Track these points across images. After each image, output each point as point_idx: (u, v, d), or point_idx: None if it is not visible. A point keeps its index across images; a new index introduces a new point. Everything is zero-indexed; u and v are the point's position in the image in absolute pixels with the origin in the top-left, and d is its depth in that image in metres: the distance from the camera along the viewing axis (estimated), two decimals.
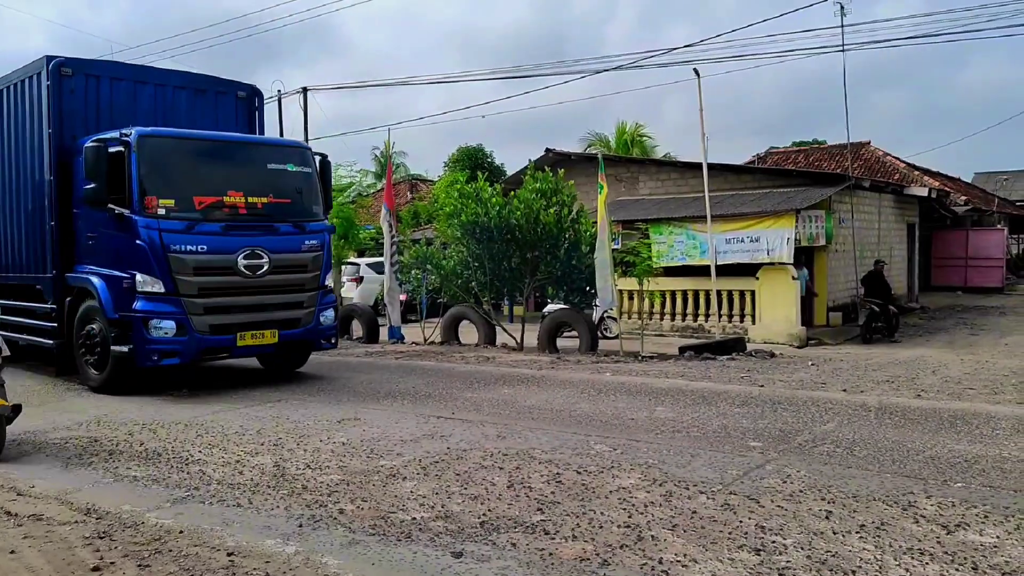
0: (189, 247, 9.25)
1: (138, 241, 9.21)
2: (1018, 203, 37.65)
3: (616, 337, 15.15)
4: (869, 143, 31.00)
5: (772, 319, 15.65)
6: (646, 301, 17.14)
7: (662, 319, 17.24)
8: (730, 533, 4.40)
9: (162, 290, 9.21)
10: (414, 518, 4.75)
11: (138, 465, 6.18)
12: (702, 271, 15.94)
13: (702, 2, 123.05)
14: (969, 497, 5.01)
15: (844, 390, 9.46)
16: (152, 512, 4.97)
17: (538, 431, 7.11)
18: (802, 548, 4.16)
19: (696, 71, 14.59)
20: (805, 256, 16.82)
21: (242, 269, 9.49)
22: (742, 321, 16.17)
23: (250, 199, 9.84)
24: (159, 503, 5.17)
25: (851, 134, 28.10)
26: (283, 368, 11.29)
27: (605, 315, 16.02)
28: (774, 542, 4.26)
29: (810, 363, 12.30)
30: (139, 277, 9.20)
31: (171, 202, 9.28)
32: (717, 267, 15.17)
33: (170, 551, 4.27)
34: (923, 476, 5.54)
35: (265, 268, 9.66)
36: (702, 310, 16.68)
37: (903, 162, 29.96)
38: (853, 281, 17.75)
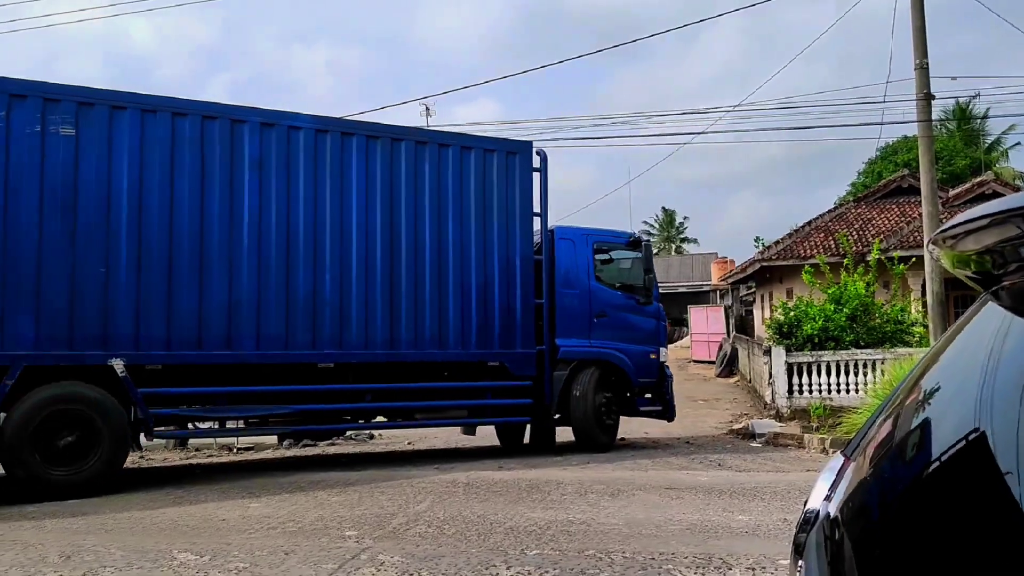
0: None
1: (660, 323, 12.45)
2: None
3: None
4: None
5: None
6: None
7: None
8: None
9: (666, 360, 12.38)
10: None
11: None
12: None
13: (298, 87, 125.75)
14: (542, 563, 5.46)
15: (436, 467, 9.89)
16: None
17: (112, 545, 6.30)
18: None
19: None
20: None
21: None
22: None
23: None
24: None
25: None
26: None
27: None
28: None
29: (407, 443, 12.71)
30: (661, 351, 12.29)
31: None
32: None
33: None
34: (504, 547, 5.93)
35: None
36: None
37: None
38: None
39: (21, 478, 8.37)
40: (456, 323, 10.52)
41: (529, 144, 11.36)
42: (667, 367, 12.38)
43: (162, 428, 9.56)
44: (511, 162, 11.06)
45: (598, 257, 11.90)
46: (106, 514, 7.51)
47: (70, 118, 8.67)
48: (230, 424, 10.20)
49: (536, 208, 11.35)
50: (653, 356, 12.01)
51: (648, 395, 12.21)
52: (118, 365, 8.71)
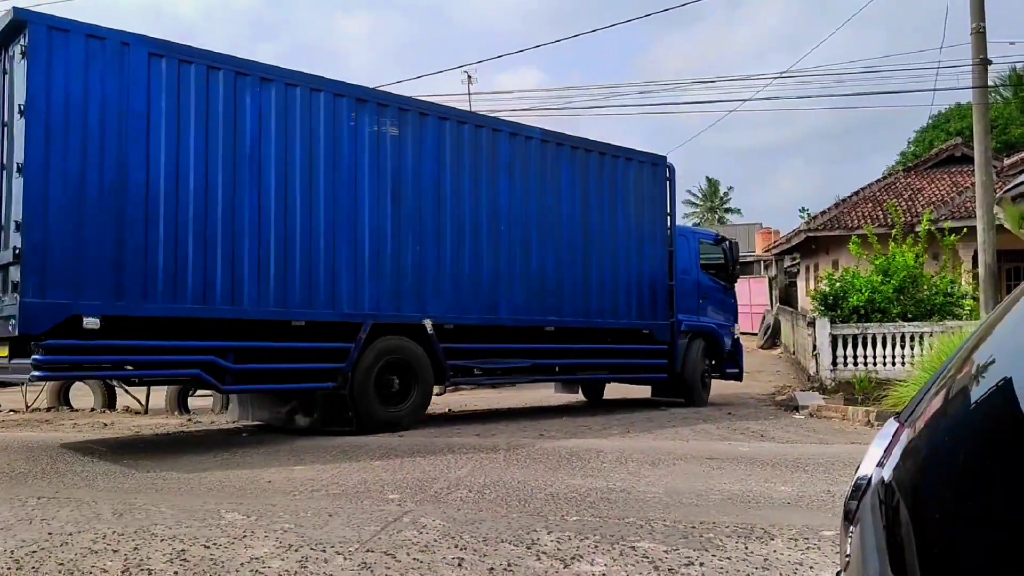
0: None
1: (736, 303, 15.61)
2: None
3: None
4: None
5: None
6: None
7: None
8: None
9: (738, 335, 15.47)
10: None
11: None
12: None
13: (343, 60, 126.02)
14: (583, 529, 5.48)
15: (477, 434, 9.96)
16: None
17: (162, 504, 6.47)
18: None
19: None
20: None
21: None
22: None
23: None
24: None
25: None
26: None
27: None
28: None
29: (448, 409, 12.81)
30: (736, 326, 15.36)
31: None
32: None
33: None
34: (544, 513, 5.97)
35: None
36: None
37: None
38: None
39: (363, 414, 10.10)
40: (624, 298, 12.98)
41: (664, 157, 13.82)
42: (739, 339, 15.34)
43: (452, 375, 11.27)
44: (654, 171, 13.55)
45: (700, 249, 14.71)
46: (156, 474, 7.71)
47: (395, 120, 10.44)
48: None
49: (667, 209, 13.80)
50: (732, 330, 15.05)
51: (714, 361, 14.67)
52: (428, 324, 10.64)
